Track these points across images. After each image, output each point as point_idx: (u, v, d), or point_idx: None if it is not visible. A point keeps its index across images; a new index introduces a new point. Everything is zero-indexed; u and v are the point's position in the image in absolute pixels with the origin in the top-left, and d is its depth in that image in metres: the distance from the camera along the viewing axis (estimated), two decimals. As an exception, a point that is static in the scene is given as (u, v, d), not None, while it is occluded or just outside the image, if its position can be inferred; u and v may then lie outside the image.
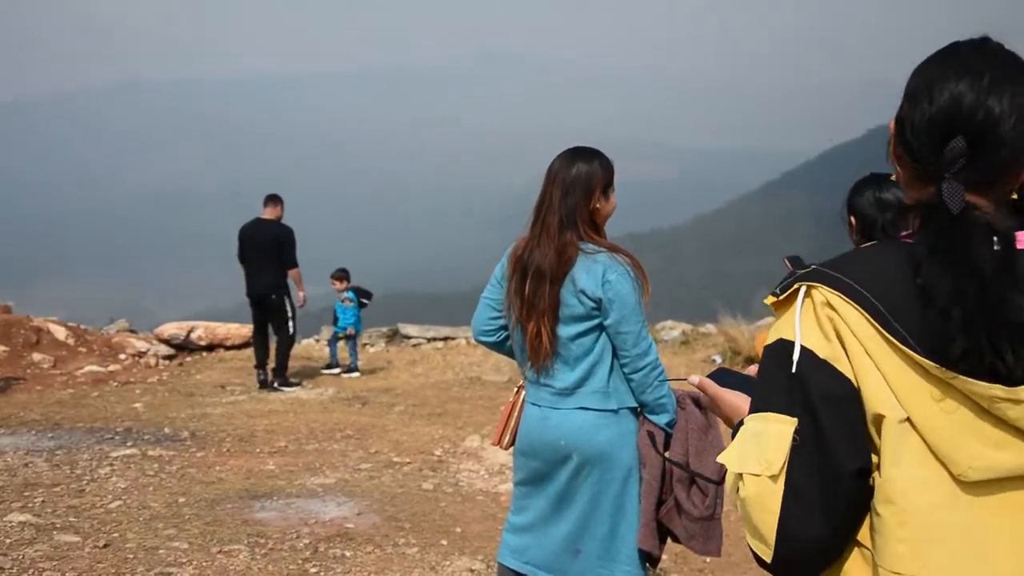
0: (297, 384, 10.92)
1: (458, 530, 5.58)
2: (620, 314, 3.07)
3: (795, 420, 1.35)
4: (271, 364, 10.88)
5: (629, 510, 3.14)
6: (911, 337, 1.29)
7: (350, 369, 11.92)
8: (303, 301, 11.20)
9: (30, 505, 5.66)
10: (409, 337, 15.05)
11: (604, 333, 3.13)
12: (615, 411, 3.13)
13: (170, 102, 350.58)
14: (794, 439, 1.34)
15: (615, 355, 3.14)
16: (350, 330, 12.03)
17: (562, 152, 3.25)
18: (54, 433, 7.94)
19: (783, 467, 1.34)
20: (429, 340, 14.91)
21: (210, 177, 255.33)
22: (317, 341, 14.78)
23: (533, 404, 3.23)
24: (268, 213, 10.96)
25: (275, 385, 10.70)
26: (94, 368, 11.45)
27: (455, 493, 6.43)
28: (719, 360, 11.96)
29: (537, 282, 3.13)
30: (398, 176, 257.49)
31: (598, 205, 3.18)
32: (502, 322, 3.32)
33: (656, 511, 3.14)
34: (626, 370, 3.13)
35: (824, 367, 1.34)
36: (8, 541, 4.93)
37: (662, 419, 3.16)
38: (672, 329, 14.38)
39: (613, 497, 3.13)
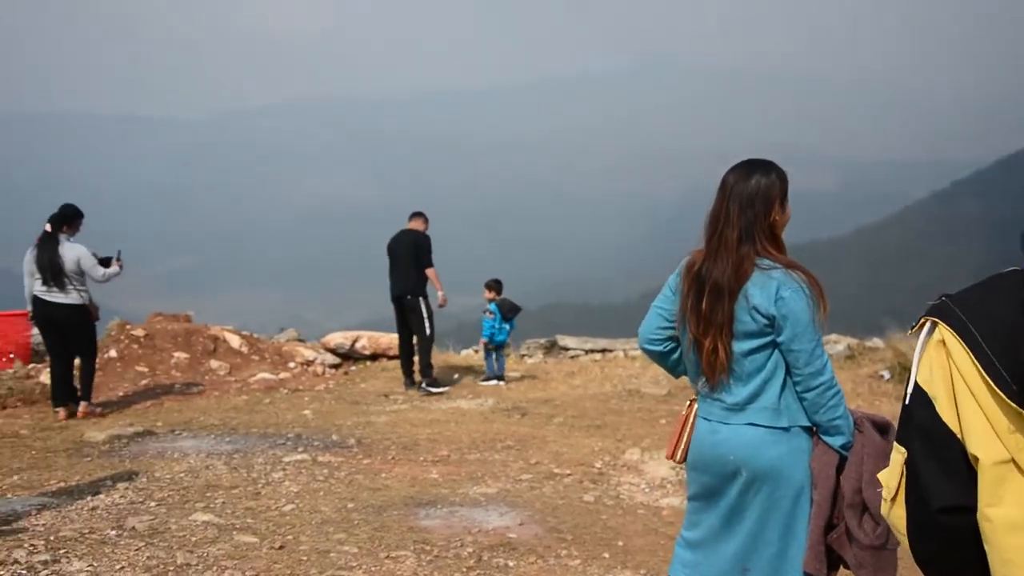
0: (444, 387, 11.27)
1: (620, 543, 5.56)
2: (793, 332, 3.01)
3: (905, 451, 1.43)
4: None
5: (799, 531, 3.07)
6: (1008, 373, 1.28)
7: (488, 378, 12.15)
8: (443, 300, 11.56)
9: (212, 506, 5.96)
10: (567, 349, 15.11)
11: (777, 350, 3.07)
12: (786, 429, 3.06)
13: (337, 119, 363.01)
14: (903, 469, 1.42)
15: (789, 372, 3.09)
16: (483, 341, 12.34)
17: (736, 165, 3.22)
18: (231, 437, 8.33)
19: (897, 493, 1.44)
20: (587, 352, 14.92)
21: (370, 191, 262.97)
22: (476, 352, 15.01)
23: (704, 418, 3.21)
24: (411, 225, 11.51)
25: (422, 385, 11.19)
26: (266, 376, 11.96)
27: (616, 506, 6.42)
28: (888, 376, 11.53)
29: (715, 297, 3.09)
30: (556, 187, 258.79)
31: (777, 217, 3.14)
32: (671, 332, 3.30)
33: (825, 535, 3.06)
34: (799, 388, 3.06)
35: (927, 405, 1.38)
36: (194, 539, 5.21)
37: (836, 441, 3.06)
38: (836, 343, 13.93)
39: (783, 516, 3.06)
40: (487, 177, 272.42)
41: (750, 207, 3.10)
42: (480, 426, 9.04)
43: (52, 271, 9.10)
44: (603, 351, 14.87)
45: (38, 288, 9.22)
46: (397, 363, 12.57)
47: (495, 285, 12.49)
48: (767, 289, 3.02)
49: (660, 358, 3.40)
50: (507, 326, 12.29)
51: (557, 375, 12.87)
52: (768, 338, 3.05)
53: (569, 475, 7.16)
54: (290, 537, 5.36)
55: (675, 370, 3.39)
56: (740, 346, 3.08)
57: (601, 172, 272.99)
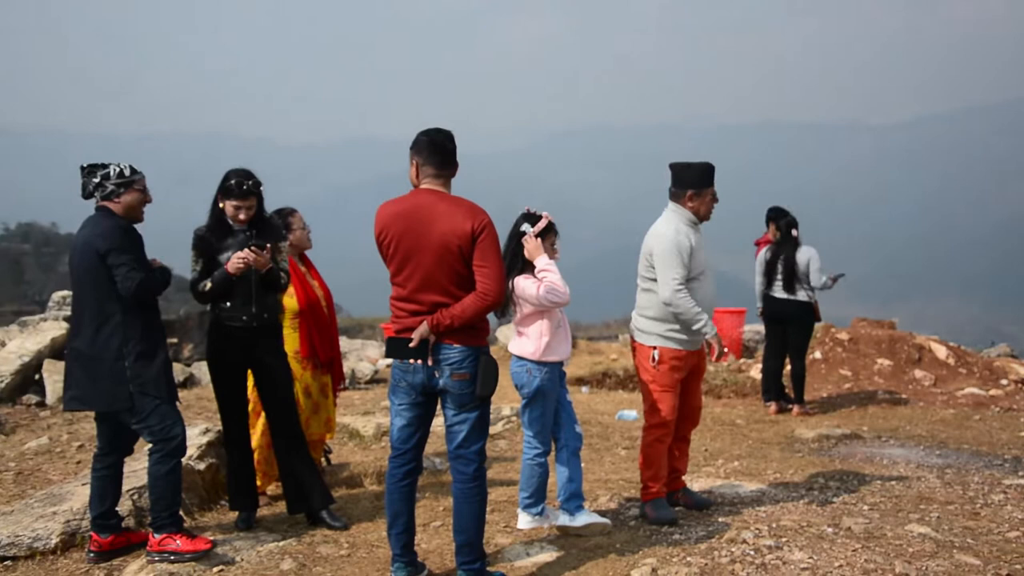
0: None
1: None
2: None
3: None
4: None
5: None
6: None
7: None
8: None
9: (927, 519, 5.77)
10: None
11: None
12: None
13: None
14: None
15: None
16: None
17: None
18: (941, 451, 8.03)
19: None
20: None
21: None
22: None
23: None
24: None
25: None
26: (974, 391, 11.31)
27: None
28: None
29: None
30: None
31: None
32: None
33: None
34: None
35: None
36: (910, 550, 5.09)
37: None
38: None
39: None
40: None
41: None
42: None
43: (785, 273, 9.73)
44: None
45: (769, 288, 9.93)
46: None
47: None
48: None
49: None
50: None
51: None
52: None
53: None
54: (1018, 566, 4.95)
55: None
56: None
57: None
